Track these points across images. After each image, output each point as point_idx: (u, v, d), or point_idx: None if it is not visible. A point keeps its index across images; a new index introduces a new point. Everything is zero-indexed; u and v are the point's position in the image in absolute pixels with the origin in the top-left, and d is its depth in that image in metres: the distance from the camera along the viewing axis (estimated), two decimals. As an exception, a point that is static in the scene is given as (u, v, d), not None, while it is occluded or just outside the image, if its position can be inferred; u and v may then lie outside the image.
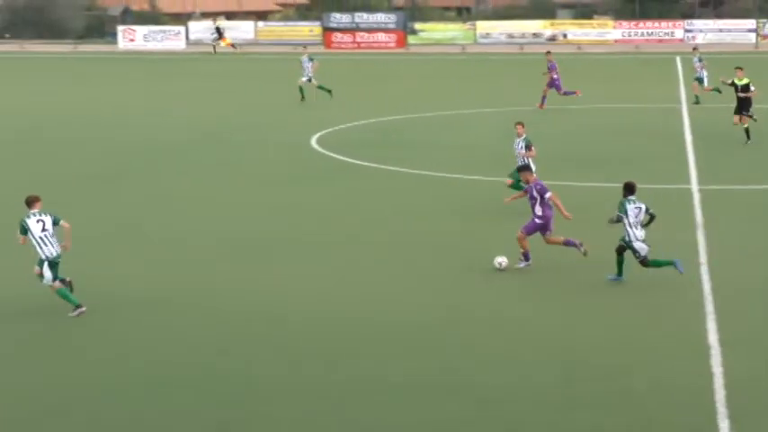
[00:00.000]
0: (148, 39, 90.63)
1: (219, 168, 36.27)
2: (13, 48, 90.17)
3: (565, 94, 49.93)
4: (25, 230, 20.86)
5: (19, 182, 33.67)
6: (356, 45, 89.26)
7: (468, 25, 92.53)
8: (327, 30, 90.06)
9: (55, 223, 20.99)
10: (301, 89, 52.67)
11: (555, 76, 49.78)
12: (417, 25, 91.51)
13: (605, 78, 64.19)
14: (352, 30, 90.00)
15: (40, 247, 20.83)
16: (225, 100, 55.04)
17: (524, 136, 29.16)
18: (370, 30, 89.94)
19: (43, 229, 20.84)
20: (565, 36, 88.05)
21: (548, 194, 23.38)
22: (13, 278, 23.19)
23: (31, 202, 21.16)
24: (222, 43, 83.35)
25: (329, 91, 52.64)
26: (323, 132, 43.29)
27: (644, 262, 22.19)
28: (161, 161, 37.41)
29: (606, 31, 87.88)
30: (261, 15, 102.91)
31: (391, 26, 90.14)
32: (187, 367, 18.05)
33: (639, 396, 16.54)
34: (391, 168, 35.50)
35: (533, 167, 27.01)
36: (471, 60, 79.56)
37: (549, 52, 52.40)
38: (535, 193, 23.47)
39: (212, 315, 20.77)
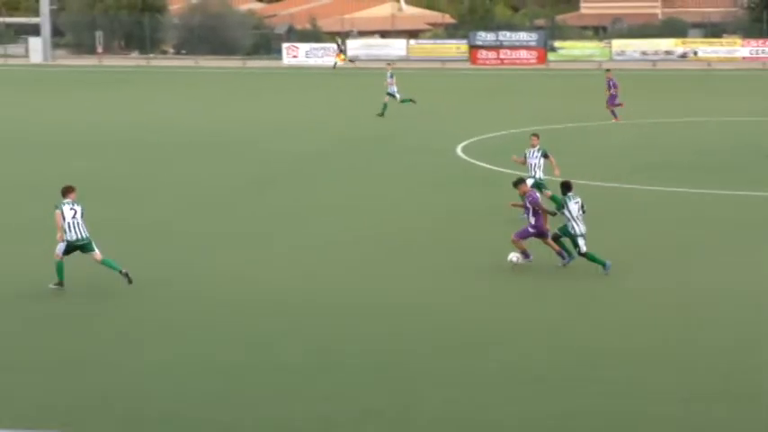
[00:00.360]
0: (310, 55, 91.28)
1: (370, 174, 36.20)
2: (188, 63, 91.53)
3: (611, 109, 48.81)
4: (60, 209, 21.69)
5: (193, 183, 34.04)
6: (500, 61, 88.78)
7: (604, 43, 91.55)
8: (473, 47, 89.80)
9: (82, 215, 21.87)
10: (385, 105, 51.48)
11: (612, 93, 48.86)
12: (557, 43, 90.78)
13: (733, 93, 62.77)
14: (497, 47, 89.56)
15: (67, 231, 21.66)
16: (377, 110, 55.03)
17: (538, 146, 28.37)
18: (513, 47, 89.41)
19: (74, 216, 21.72)
20: (695, 53, 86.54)
21: (538, 204, 23.05)
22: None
23: (65, 192, 22.08)
24: (339, 60, 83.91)
25: (412, 100, 51.65)
26: (468, 141, 43.00)
27: (583, 254, 22.46)
28: (316, 167, 37.46)
29: (734, 49, 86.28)
30: (412, 34, 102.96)
31: (533, 44, 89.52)
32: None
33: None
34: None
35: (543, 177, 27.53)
36: (607, 76, 78.49)
37: (608, 70, 52.15)
38: (528, 204, 23.04)
39: (371, 312, 20.63)
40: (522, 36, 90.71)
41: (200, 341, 18.80)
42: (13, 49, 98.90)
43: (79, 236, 21.79)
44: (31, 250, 24.76)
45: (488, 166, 37.21)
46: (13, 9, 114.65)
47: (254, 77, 78.31)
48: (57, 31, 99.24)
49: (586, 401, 15.82)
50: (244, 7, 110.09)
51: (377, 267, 23.76)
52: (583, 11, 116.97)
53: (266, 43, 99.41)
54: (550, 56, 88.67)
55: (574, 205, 22.56)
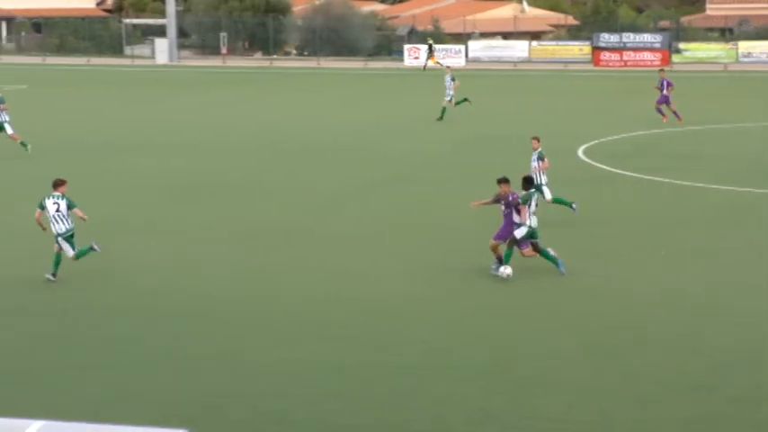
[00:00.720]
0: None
1: (489, 174, 36.13)
2: (310, 64, 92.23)
3: (658, 109, 48.37)
4: (42, 207, 22.89)
5: (315, 185, 34.29)
6: (623, 63, 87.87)
7: (730, 45, 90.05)
8: (596, 49, 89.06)
9: (69, 207, 22.83)
10: (444, 109, 51.04)
11: (665, 93, 48.25)
12: (682, 45, 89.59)
13: None
14: (620, 49, 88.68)
15: (52, 224, 22.81)
16: (500, 111, 54.88)
17: (539, 150, 27.98)
18: (636, 49, 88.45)
19: (57, 210, 22.78)
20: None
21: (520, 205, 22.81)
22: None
23: (56, 185, 23.15)
24: (431, 61, 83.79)
25: (466, 100, 51.28)
26: (590, 144, 42.68)
27: (536, 248, 22.89)
28: (441, 168, 37.53)
29: None
30: (535, 35, 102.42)
31: (657, 46, 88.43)
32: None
33: None
34: (652, 178, 34.71)
35: (545, 180, 27.51)
36: (732, 78, 77.27)
37: (662, 70, 51.74)
38: (510, 201, 22.85)
39: (487, 314, 20.59)
40: (646, 38, 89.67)
41: (315, 341, 18.93)
42: (139, 49, 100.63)
43: (68, 226, 22.96)
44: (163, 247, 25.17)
45: (610, 168, 36.90)
46: (140, 11, 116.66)
47: (376, 79, 78.63)
48: (182, 33, 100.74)
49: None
50: (366, 9, 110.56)
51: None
52: (708, 12, 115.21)
53: (388, 45, 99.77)
54: (675, 58, 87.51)
55: (534, 200, 23.10)
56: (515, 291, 21.92)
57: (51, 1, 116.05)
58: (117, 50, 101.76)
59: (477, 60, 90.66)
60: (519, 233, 22.72)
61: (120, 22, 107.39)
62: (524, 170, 36.15)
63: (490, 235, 23.20)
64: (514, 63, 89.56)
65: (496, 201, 23.30)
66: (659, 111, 48.37)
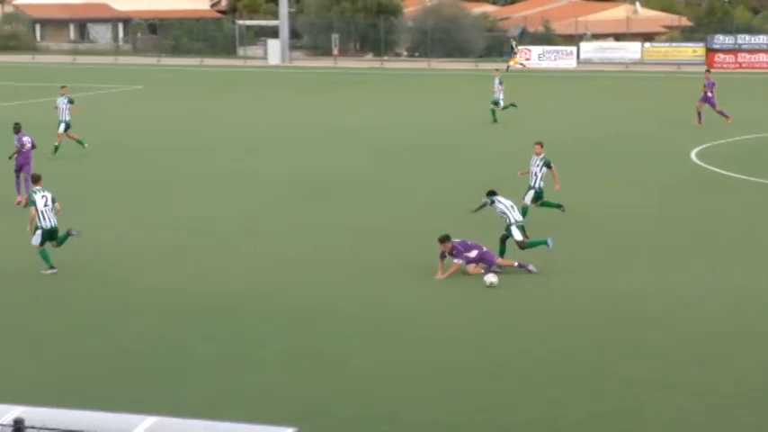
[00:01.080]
0: (542, 58, 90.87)
1: (599, 175, 35.85)
2: (421, 65, 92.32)
3: (720, 112, 47.86)
4: (33, 202, 23.25)
5: (424, 185, 34.30)
6: (738, 65, 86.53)
7: None
8: (711, 51, 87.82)
9: (53, 201, 23.33)
10: (493, 112, 50.73)
11: (709, 94, 47.74)
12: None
13: None
14: (735, 51, 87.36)
15: (41, 219, 23.22)
16: (612, 113, 54.39)
17: (543, 155, 27.46)
18: (752, 50, 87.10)
19: (45, 204, 23.24)
20: None
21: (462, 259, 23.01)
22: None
23: (36, 180, 23.74)
24: (512, 62, 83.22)
25: (513, 105, 50.84)
26: (703, 146, 42.10)
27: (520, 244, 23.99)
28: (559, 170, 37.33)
29: None
30: (647, 37, 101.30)
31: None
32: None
33: None
34: (764, 182, 34.21)
35: (542, 185, 27.34)
36: None
37: (708, 71, 51.05)
38: (455, 254, 23.02)
39: (603, 316, 20.43)
40: (763, 39, 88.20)
41: (425, 341, 18.93)
42: (252, 50, 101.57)
43: (52, 224, 23.43)
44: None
45: (723, 171, 36.38)
46: (254, 12, 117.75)
47: (487, 80, 78.43)
48: (294, 34, 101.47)
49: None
50: (477, 10, 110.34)
51: (606, 272, 23.49)
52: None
53: (499, 46, 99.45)
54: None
55: (499, 204, 24.16)
56: (631, 296, 21.71)
57: (167, 3, 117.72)
58: (230, 51, 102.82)
59: (588, 62, 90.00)
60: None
61: (234, 23, 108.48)
62: (627, 178, 35.93)
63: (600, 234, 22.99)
64: (626, 65, 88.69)
65: (442, 257, 23.20)
66: (699, 112, 48.09)
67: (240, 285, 22.58)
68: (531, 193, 27.59)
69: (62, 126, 40.63)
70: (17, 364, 17.98)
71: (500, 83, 50.91)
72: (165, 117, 54.07)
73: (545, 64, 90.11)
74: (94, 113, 55.02)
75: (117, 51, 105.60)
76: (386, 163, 39.02)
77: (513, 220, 23.93)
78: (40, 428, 8.93)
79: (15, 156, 32.64)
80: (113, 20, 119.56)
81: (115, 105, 60.11)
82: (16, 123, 34.04)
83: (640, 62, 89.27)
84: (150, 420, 9.51)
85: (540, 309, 20.87)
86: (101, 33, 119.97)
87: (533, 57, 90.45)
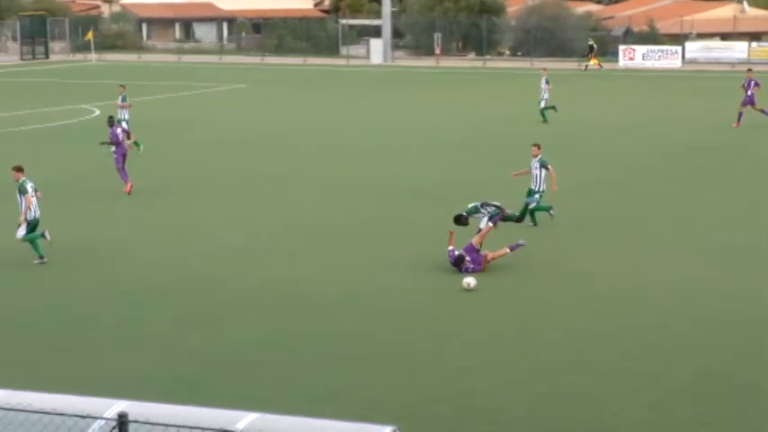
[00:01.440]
0: (647, 57, 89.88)
1: (705, 176, 35.45)
2: (523, 65, 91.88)
3: (761, 111, 47.04)
4: (27, 191, 23.79)
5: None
6: None
7: None
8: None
9: (35, 190, 24.03)
10: (543, 111, 50.10)
11: (749, 93, 47.02)
12: None
13: None
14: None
15: (31, 210, 23.90)
16: (716, 115, 53.64)
17: (540, 156, 27.32)
18: None
19: (34, 193, 23.93)
20: None
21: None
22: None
23: (20, 170, 24.20)
24: (591, 62, 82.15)
25: (553, 108, 50.04)
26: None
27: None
28: (664, 171, 36.99)
29: None
30: (755, 36, 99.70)
31: None
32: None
33: None
34: None
35: (543, 188, 27.47)
36: None
37: (749, 70, 49.80)
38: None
39: (712, 323, 20.19)
40: None
41: (525, 341, 18.86)
42: (354, 50, 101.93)
43: (38, 214, 24.11)
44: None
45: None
46: (357, 11, 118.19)
47: (589, 79, 77.77)
48: (397, 33, 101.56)
49: None
50: (581, 9, 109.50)
51: (719, 276, 23.20)
52: None
53: (602, 45, 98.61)
54: None
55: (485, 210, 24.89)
56: (742, 304, 21.43)
57: (271, 2, 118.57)
58: (333, 51, 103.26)
59: (693, 62, 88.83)
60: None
61: (337, 22, 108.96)
62: (747, 180, 35.42)
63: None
64: (732, 64, 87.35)
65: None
66: (740, 114, 47.53)
67: (343, 284, 22.67)
68: (537, 196, 27.78)
69: (123, 125, 41.23)
70: (121, 359, 18.24)
71: (546, 82, 50.49)
72: (268, 115, 54.46)
73: (649, 64, 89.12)
74: (198, 112, 55.66)
75: (221, 50, 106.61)
76: (491, 163, 38.90)
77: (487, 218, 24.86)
78: (143, 423, 9.05)
79: (113, 148, 33.65)
80: (218, 19, 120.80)
81: (219, 104, 60.70)
82: (110, 117, 35.57)
83: (747, 62, 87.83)
84: (251, 416, 9.60)
85: (639, 309, 20.67)
86: (206, 33, 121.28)
87: (637, 56, 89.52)
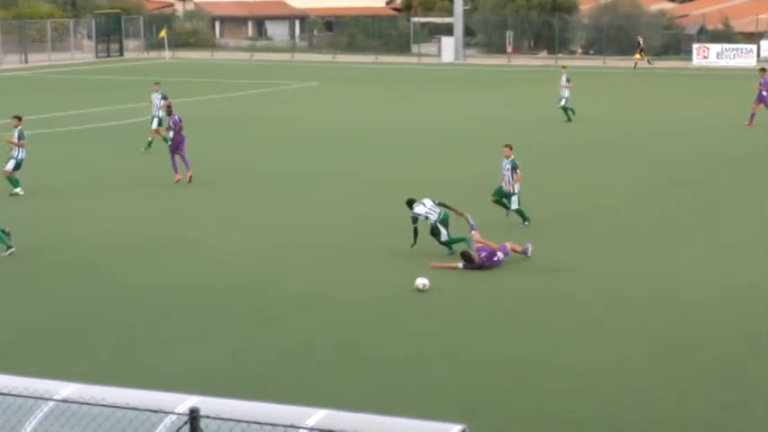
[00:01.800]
0: (721, 56, 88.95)
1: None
2: (595, 63, 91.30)
3: (753, 112, 46.58)
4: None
5: (599, 181, 34.00)
6: None
7: None
8: None
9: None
10: (566, 110, 49.63)
11: (765, 93, 46.47)
12: None
13: None
14: None
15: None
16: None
17: (511, 158, 27.13)
18: None
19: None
20: None
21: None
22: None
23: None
24: (638, 56, 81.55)
25: (570, 110, 49.56)
26: None
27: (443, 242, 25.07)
28: (731, 170, 36.67)
29: None
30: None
31: None
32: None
33: None
34: None
35: (518, 189, 27.36)
36: None
37: (763, 69, 48.71)
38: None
39: None
40: None
41: (596, 341, 18.76)
42: (426, 48, 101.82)
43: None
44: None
45: None
46: (429, 10, 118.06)
47: (662, 78, 77.16)
48: (468, 31, 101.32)
49: None
50: (654, 7, 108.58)
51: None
52: None
53: (676, 44, 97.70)
54: None
55: (421, 208, 25.03)
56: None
57: (343, 0, 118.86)
58: (404, 49, 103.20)
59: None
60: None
61: (409, 20, 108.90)
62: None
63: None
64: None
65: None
66: (753, 113, 47.13)
67: (411, 282, 22.68)
68: (515, 198, 27.72)
69: (155, 122, 41.47)
70: (192, 355, 18.39)
71: (567, 80, 50.01)
72: (338, 113, 54.59)
73: (723, 62, 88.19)
74: (269, 109, 55.96)
75: (293, 48, 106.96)
76: (568, 161, 38.76)
77: (435, 219, 24.91)
78: (214, 418, 9.12)
79: (172, 135, 34.59)
80: (290, 17, 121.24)
81: (290, 101, 60.95)
82: (168, 105, 36.51)
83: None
84: (321, 413, 9.64)
85: (714, 310, 20.49)
86: (278, 31, 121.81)
87: (711, 55, 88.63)
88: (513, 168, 27.69)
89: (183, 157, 34.34)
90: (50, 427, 9.92)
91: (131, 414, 9.56)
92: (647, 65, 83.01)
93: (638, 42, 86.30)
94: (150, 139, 41.15)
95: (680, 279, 22.80)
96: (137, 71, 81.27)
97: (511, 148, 27.98)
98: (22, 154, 32.48)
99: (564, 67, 54.50)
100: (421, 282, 22.11)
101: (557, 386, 16.61)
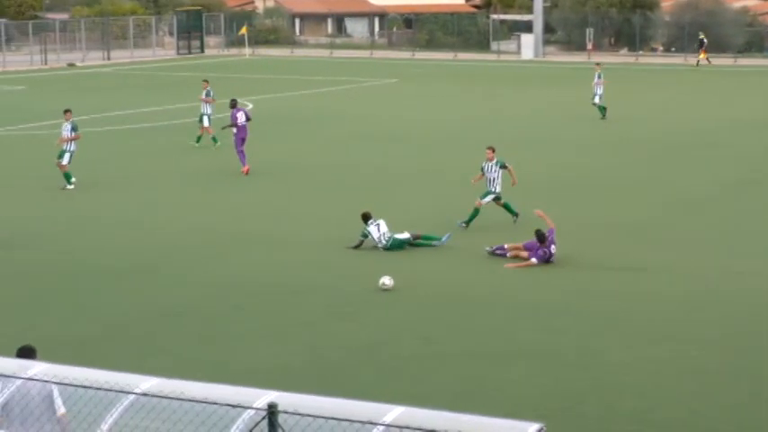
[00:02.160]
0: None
1: None
2: (677, 60, 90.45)
3: None
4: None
5: (679, 182, 33.71)
6: None
7: None
8: None
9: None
10: (601, 108, 49.15)
11: None
12: None
13: None
14: None
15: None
16: None
17: (496, 160, 26.84)
18: None
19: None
20: None
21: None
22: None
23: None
24: (700, 56, 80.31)
25: (605, 108, 49.09)
26: None
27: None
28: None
29: None
30: None
31: None
32: None
33: None
34: None
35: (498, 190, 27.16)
36: None
37: None
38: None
39: None
40: None
41: (673, 340, 18.62)
42: (505, 45, 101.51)
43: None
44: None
45: None
46: (508, 6, 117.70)
47: (746, 76, 76.28)
48: (548, 28, 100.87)
49: None
50: (737, 4, 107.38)
51: None
52: None
53: (759, 41, 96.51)
54: None
55: (374, 229, 25.21)
56: None
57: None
58: (483, 46, 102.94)
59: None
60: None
61: (488, 17, 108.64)
62: None
63: None
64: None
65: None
66: None
67: (487, 280, 22.65)
68: (490, 196, 27.43)
69: (205, 119, 41.63)
70: (270, 350, 18.52)
71: (599, 77, 49.53)
72: (417, 110, 54.58)
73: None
74: (348, 106, 56.11)
75: (372, 45, 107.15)
76: (646, 159, 38.48)
77: (384, 245, 25.19)
78: (293, 413, 9.18)
79: (233, 129, 35.47)
80: (370, 14, 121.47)
81: (369, 98, 61.12)
82: (233, 99, 37.29)
83: None
84: (398, 410, 9.66)
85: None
86: (357, 28, 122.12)
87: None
88: (502, 167, 27.47)
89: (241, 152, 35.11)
90: (131, 420, 10.06)
91: (210, 408, 9.66)
92: (706, 63, 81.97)
93: (702, 40, 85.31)
94: (199, 134, 41.70)
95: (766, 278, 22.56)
96: (217, 68, 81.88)
97: (494, 150, 27.74)
98: (74, 147, 33.00)
99: (597, 64, 54.31)
100: (385, 280, 21.98)
101: (634, 385, 16.50)
